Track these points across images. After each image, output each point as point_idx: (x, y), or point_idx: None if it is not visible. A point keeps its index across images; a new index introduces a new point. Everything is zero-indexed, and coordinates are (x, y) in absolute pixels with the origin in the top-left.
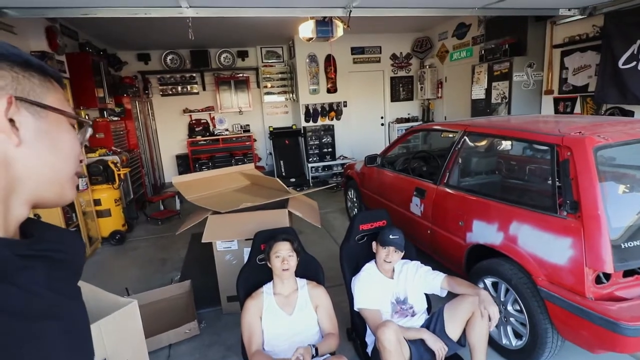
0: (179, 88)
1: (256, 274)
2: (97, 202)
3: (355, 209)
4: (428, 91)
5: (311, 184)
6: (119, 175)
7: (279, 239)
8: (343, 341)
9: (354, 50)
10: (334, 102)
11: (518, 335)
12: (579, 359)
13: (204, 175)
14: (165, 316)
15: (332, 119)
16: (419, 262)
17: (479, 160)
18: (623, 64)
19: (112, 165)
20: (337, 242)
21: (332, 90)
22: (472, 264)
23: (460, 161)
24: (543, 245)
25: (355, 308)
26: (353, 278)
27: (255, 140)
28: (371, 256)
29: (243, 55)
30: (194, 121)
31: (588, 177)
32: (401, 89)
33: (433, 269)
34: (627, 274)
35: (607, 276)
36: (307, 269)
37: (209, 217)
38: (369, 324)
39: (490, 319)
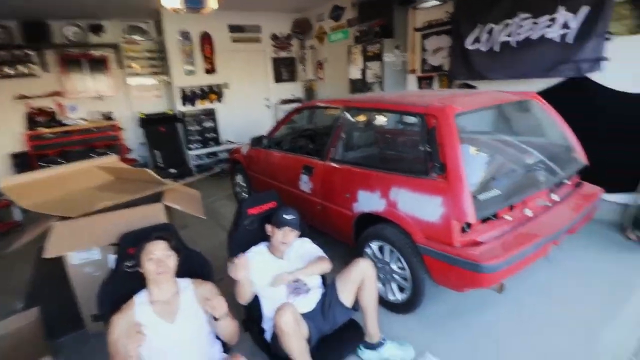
0: (9, 69)
1: (125, 284)
2: None
3: (244, 194)
4: (310, 72)
5: (195, 174)
6: None
7: (150, 239)
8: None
9: (232, 29)
10: (214, 83)
11: (402, 290)
12: (448, 298)
13: (47, 174)
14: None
15: (212, 102)
16: (307, 239)
17: (359, 134)
18: (469, 46)
19: None
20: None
21: (210, 71)
22: (360, 234)
23: (343, 136)
24: (418, 206)
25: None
26: None
27: (121, 129)
28: (264, 242)
29: (97, 29)
30: (34, 110)
31: (451, 140)
32: (284, 70)
33: (324, 244)
34: (483, 221)
35: (469, 226)
36: (191, 266)
37: (53, 224)
38: (238, 291)
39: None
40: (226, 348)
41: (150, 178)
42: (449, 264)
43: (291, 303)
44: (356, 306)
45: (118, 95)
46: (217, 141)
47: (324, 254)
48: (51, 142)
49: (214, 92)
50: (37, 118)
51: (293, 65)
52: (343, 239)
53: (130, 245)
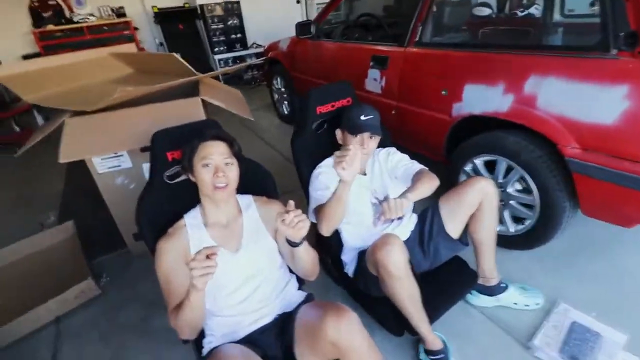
0: None
1: (169, 199)
2: None
3: (285, 102)
4: None
5: (221, 81)
6: None
7: (206, 137)
8: None
9: None
10: None
11: (518, 220)
12: (572, 229)
13: (52, 63)
14: (45, 277)
15: None
16: (392, 148)
17: None
18: None
19: None
20: (271, 145)
21: None
22: (454, 145)
23: (436, 8)
24: (579, 101)
25: (313, 206)
26: (312, 175)
27: (136, 28)
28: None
29: None
30: (36, 3)
31: None
32: None
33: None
34: None
35: None
36: (250, 181)
37: (65, 120)
38: (327, 210)
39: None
40: (300, 285)
41: (180, 66)
42: (623, 187)
43: (397, 235)
44: (465, 240)
45: None
46: (243, 44)
47: (424, 167)
48: (62, 42)
49: None
50: (43, 14)
51: None
52: (427, 152)
53: (169, 147)
